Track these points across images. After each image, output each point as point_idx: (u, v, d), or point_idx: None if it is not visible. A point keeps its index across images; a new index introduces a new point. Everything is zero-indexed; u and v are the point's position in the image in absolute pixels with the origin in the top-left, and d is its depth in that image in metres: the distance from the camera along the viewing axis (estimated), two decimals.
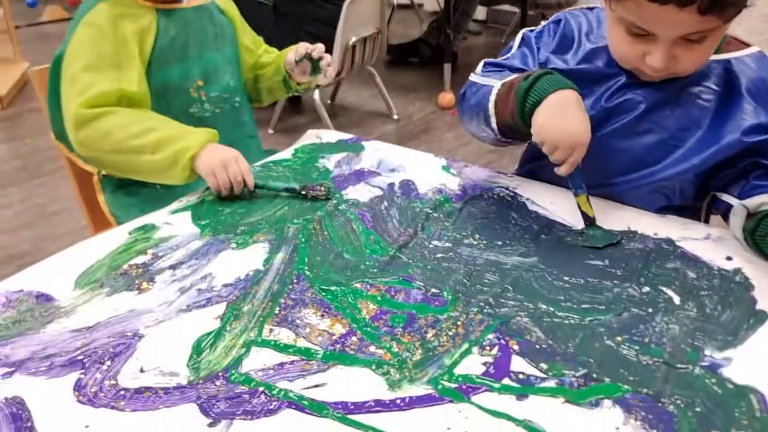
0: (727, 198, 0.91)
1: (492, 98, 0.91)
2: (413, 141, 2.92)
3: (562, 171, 0.86)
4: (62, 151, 1.23)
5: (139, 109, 1.05)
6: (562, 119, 0.83)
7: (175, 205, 0.98)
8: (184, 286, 0.78)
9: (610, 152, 0.96)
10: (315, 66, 1.21)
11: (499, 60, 1.04)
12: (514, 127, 0.89)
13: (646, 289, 0.77)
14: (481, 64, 1.04)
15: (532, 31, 1.05)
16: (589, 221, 0.90)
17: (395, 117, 3.18)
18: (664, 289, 0.77)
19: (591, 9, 1.03)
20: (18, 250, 2.08)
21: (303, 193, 0.99)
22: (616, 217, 0.92)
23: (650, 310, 0.74)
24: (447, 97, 3.26)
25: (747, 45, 0.94)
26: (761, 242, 0.81)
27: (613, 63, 0.94)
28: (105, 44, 1.05)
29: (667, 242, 0.86)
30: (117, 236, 0.90)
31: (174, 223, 0.93)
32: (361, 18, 2.67)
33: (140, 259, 0.84)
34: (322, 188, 0.99)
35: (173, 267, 0.82)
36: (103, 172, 1.19)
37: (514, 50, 1.04)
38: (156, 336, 0.70)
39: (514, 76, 0.91)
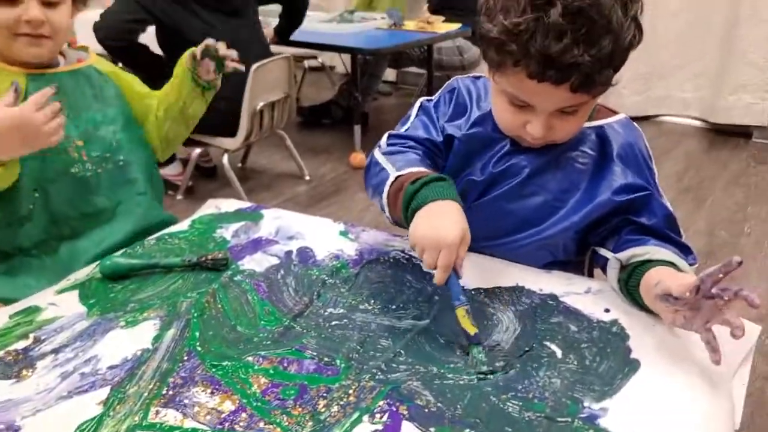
0: (604, 252, 0.97)
1: (386, 190, 0.96)
2: (325, 201, 2.95)
3: (436, 279, 0.82)
4: None
5: None
6: (433, 222, 0.84)
7: (62, 283, 0.95)
8: (66, 370, 0.75)
9: (499, 214, 1.01)
10: (219, 63, 1.24)
11: (402, 132, 1.07)
12: (403, 224, 0.93)
13: (533, 344, 0.81)
14: (385, 136, 1.07)
15: (429, 100, 1.10)
16: (470, 339, 0.80)
17: (307, 178, 3.20)
18: (548, 343, 0.81)
19: (478, 78, 1.09)
20: None
21: (202, 260, 0.98)
22: (505, 275, 0.96)
23: (534, 365, 0.77)
24: (358, 158, 3.33)
25: (615, 112, 1.03)
26: (634, 292, 0.87)
27: (498, 128, 1.00)
28: None
29: (551, 297, 0.91)
30: None
31: (60, 303, 0.90)
32: (268, 83, 2.71)
33: (21, 344, 0.80)
34: (218, 255, 0.99)
35: (56, 351, 0.79)
36: None
37: (413, 119, 1.08)
38: (34, 427, 0.67)
39: (407, 171, 0.95)
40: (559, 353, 0.79)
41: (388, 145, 1.05)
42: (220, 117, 2.34)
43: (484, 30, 0.88)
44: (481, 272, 0.97)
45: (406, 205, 0.89)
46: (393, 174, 0.96)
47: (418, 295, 0.92)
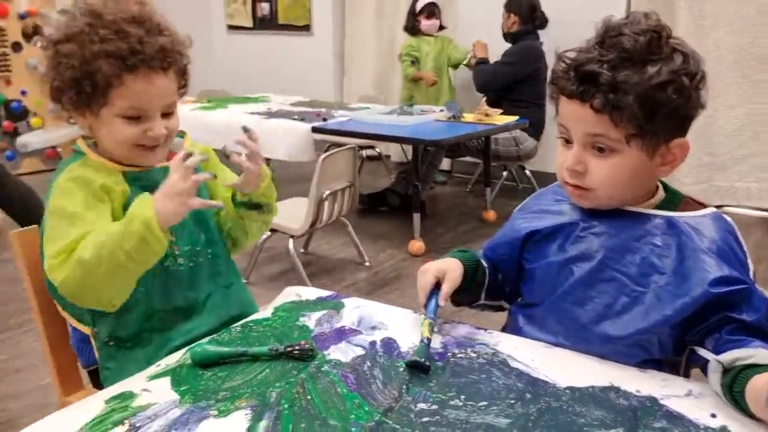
0: (704, 353, 0.93)
1: None
2: (385, 288, 2.95)
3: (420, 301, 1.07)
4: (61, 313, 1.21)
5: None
6: (427, 265, 1.11)
7: (152, 369, 0.96)
8: None
9: (579, 301, 1.01)
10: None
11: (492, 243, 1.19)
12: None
13: None
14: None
15: (518, 209, 1.19)
16: (425, 341, 0.99)
17: (367, 264, 3.22)
18: None
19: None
20: None
21: (288, 350, 0.98)
22: (597, 373, 0.93)
23: None
24: (417, 245, 3.34)
25: (704, 206, 1.02)
26: (739, 398, 0.83)
27: (566, 212, 1.06)
28: (73, 200, 1.06)
29: (650, 400, 0.87)
30: (92, 406, 0.87)
31: (152, 389, 0.91)
32: (334, 172, 2.79)
33: (117, 431, 0.81)
34: (305, 345, 0.99)
35: None
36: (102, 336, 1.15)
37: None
38: None
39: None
40: None
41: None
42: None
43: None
44: (572, 372, 0.94)
45: None
46: None
47: (508, 392, 0.90)
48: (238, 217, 1.24)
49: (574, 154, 0.98)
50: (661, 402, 0.87)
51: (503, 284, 1.16)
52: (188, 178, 1.02)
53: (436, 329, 1.04)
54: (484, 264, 1.15)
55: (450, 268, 1.08)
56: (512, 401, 0.87)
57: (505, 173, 4.51)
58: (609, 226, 1.01)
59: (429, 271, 1.08)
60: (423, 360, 0.94)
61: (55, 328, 1.26)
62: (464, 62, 4.50)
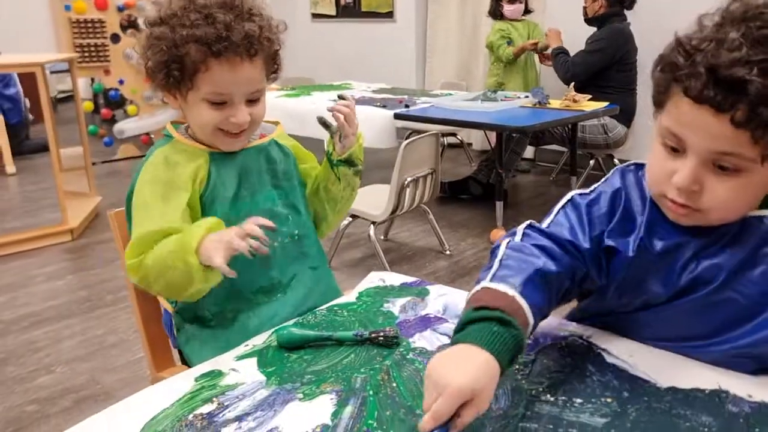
0: None
1: (468, 296, 0.86)
2: (466, 277, 2.90)
3: (423, 422, 0.70)
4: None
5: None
6: (449, 362, 0.73)
7: (240, 349, 0.98)
8: None
9: (683, 322, 0.91)
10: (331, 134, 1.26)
11: (543, 226, 0.94)
12: None
13: None
14: (524, 226, 0.94)
15: (582, 195, 0.96)
16: None
17: (447, 252, 3.19)
18: None
19: (642, 166, 0.94)
20: (74, 383, 2.08)
21: (374, 336, 0.97)
22: (703, 376, 0.87)
23: None
24: (499, 234, 3.25)
25: None
26: None
27: (679, 230, 0.88)
28: (158, 185, 1.09)
29: (764, 407, 0.80)
30: (183, 382, 0.88)
31: (240, 369, 0.92)
32: (416, 159, 2.77)
33: (206, 408, 0.82)
34: (391, 332, 0.97)
35: (239, 419, 0.80)
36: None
37: (556, 213, 0.96)
38: None
39: (495, 287, 0.82)
40: None
41: (523, 236, 0.92)
42: None
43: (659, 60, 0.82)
44: (673, 370, 0.88)
45: (456, 329, 0.79)
46: (485, 282, 0.84)
47: (604, 389, 0.85)
48: (333, 181, 1.27)
49: (690, 172, 0.79)
50: None
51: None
52: (243, 240, 0.98)
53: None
54: (528, 314, 0.81)
55: (483, 389, 0.71)
56: (608, 399, 0.82)
57: (591, 162, 4.35)
58: (721, 243, 0.86)
59: (454, 394, 0.69)
60: None
61: (149, 305, 1.31)
62: (532, 49, 4.34)
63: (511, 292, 0.81)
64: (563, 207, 0.96)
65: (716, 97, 0.73)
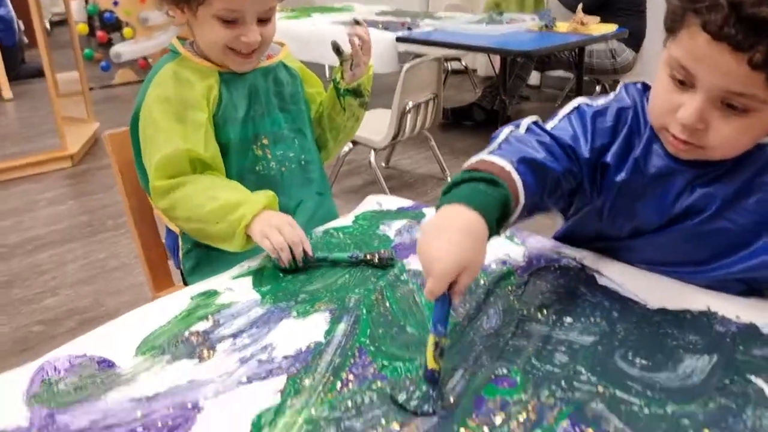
0: None
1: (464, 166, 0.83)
2: None
3: (425, 293, 0.70)
4: (156, 210, 1.26)
5: (210, 176, 1.08)
6: (433, 238, 0.70)
7: (236, 270, 0.98)
8: (244, 356, 0.77)
9: (674, 250, 0.91)
10: (342, 61, 1.22)
11: (548, 127, 0.91)
12: None
13: (733, 377, 0.72)
14: (529, 120, 0.92)
15: (590, 105, 0.93)
16: (426, 375, 0.69)
17: (449, 180, 3.17)
18: (753, 378, 0.72)
19: (648, 88, 0.90)
20: (78, 305, 2.13)
21: (369, 258, 0.97)
22: (693, 298, 0.87)
23: (739, 401, 0.68)
24: None
25: None
26: None
27: (675, 157, 0.86)
28: (172, 103, 1.08)
29: (751, 328, 0.81)
30: (179, 301, 0.90)
31: (235, 288, 0.93)
32: (418, 83, 2.71)
33: (201, 326, 0.84)
34: (386, 254, 0.98)
35: (234, 335, 0.81)
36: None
37: (561, 117, 0.93)
38: (215, 409, 0.69)
39: (491, 159, 0.80)
40: (767, 391, 0.70)
41: (527, 129, 0.90)
42: None
43: None
44: (664, 292, 0.89)
45: (442, 193, 0.76)
46: (480, 155, 0.83)
47: (594, 310, 0.86)
48: (337, 110, 1.25)
49: (696, 109, 0.76)
50: (763, 330, 0.80)
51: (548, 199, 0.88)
52: (296, 231, 0.98)
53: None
54: (519, 187, 0.79)
55: (471, 258, 0.70)
56: (598, 319, 0.83)
57: (598, 88, 4.26)
58: (717, 172, 0.85)
59: (442, 276, 0.69)
60: (427, 407, 0.67)
61: (147, 226, 1.32)
62: None
63: (508, 166, 0.79)
64: (569, 114, 0.93)
65: (736, 36, 0.69)
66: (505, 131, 0.89)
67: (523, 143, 0.86)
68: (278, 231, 0.97)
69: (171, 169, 1.05)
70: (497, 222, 0.74)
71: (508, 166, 0.79)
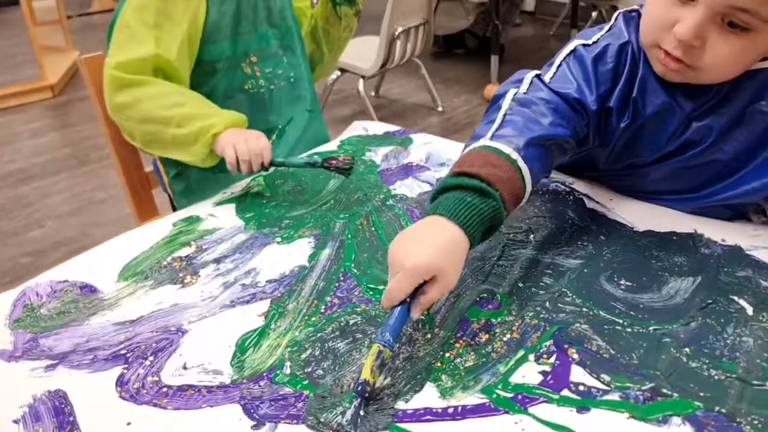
0: None
1: (463, 151, 0.77)
2: (458, 134, 2.87)
3: (384, 296, 0.63)
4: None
5: (174, 84, 1.03)
6: (412, 237, 0.65)
7: (219, 196, 0.97)
8: (228, 280, 0.77)
9: (668, 179, 0.89)
10: None
11: (548, 81, 0.84)
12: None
13: (716, 297, 0.72)
14: (531, 76, 0.85)
15: (587, 47, 0.87)
16: (359, 388, 0.57)
17: (440, 109, 3.13)
18: (735, 298, 0.72)
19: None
20: (65, 236, 2.11)
21: (326, 165, 0.95)
22: (680, 222, 0.87)
23: (721, 320, 0.69)
24: (493, 90, 3.19)
25: None
26: None
27: (671, 92, 0.83)
28: (149, 11, 1.01)
29: (736, 249, 0.81)
30: (161, 228, 0.88)
31: (218, 215, 0.91)
32: (408, 8, 2.63)
33: (184, 251, 0.83)
34: (345, 159, 0.95)
35: (217, 261, 0.80)
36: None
37: (559, 64, 0.87)
38: (199, 332, 0.68)
39: (495, 146, 0.73)
40: (749, 310, 0.70)
41: (530, 87, 0.84)
42: None
43: None
44: (651, 216, 0.88)
45: (431, 196, 0.71)
46: (484, 140, 0.75)
47: (581, 233, 0.85)
48: (332, 22, 1.22)
49: (695, 24, 0.72)
50: (748, 252, 0.80)
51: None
52: (259, 143, 0.95)
53: (389, 364, 0.63)
54: (527, 177, 0.73)
55: (445, 267, 0.63)
56: (585, 242, 0.83)
57: (594, 14, 4.16)
58: (711, 103, 0.82)
59: (411, 271, 0.62)
60: (349, 429, 0.55)
61: (129, 155, 1.29)
62: None
63: (514, 154, 0.72)
64: (566, 59, 0.87)
65: None
66: (509, 96, 0.82)
67: (529, 110, 0.80)
68: (244, 141, 0.94)
69: (135, 67, 1.00)
70: (483, 235, 0.68)
71: (514, 154, 0.73)
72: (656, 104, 0.84)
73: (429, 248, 0.63)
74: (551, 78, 0.85)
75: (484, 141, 0.75)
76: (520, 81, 0.85)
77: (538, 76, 0.85)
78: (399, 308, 0.62)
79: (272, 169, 0.98)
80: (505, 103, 0.81)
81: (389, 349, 0.60)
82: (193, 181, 1.15)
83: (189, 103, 1.00)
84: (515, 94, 0.82)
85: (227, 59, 1.10)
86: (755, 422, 0.56)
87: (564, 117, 0.81)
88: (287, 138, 1.17)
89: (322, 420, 0.56)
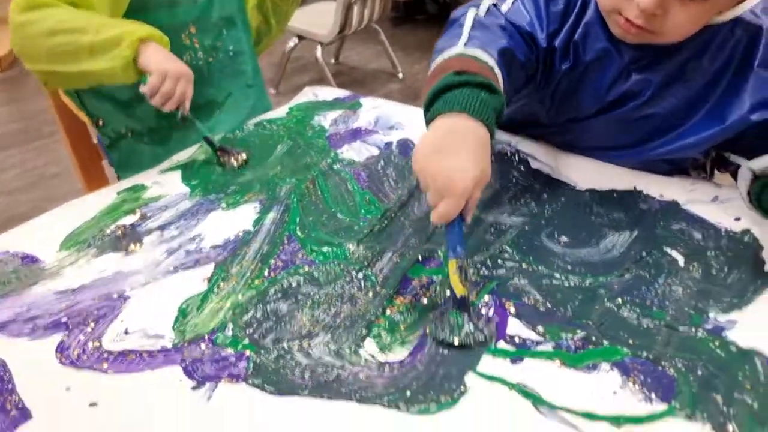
0: (735, 158, 0.86)
1: (437, 61, 0.76)
2: (418, 101, 2.84)
3: (433, 218, 0.64)
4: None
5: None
6: (446, 155, 0.63)
7: (165, 164, 0.96)
8: (171, 247, 0.76)
9: (610, 133, 0.91)
10: None
11: (504, 10, 0.85)
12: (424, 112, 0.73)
13: (651, 250, 0.74)
14: (487, 4, 0.85)
15: None
16: (456, 302, 0.64)
17: (400, 76, 3.11)
18: (669, 250, 0.75)
19: None
20: (17, 212, 2.07)
21: (218, 154, 0.96)
22: (621, 178, 0.89)
23: (653, 271, 0.71)
24: None
25: None
26: (767, 206, 0.77)
27: (614, 39, 0.83)
28: None
29: (673, 204, 0.83)
30: (105, 197, 0.87)
31: (163, 182, 0.90)
32: None
33: (128, 220, 0.82)
34: (240, 156, 0.95)
35: (161, 228, 0.80)
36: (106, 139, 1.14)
37: (513, 1, 0.86)
38: (142, 298, 0.68)
39: (474, 54, 0.74)
40: (681, 261, 0.73)
41: (488, 11, 0.84)
42: None
43: None
44: (594, 174, 0.90)
45: (431, 96, 0.69)
46: (458, 48, 0.75)
47: (524, 192, 0.87)
48: None
49: None
50: (684, 206, 0.83)
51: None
52: (188, 89, 0.94)
53: (471, 274, 0.70)
54: (502, 84, 0.75)
55: (487, 172, 0.65)
56: (528, 201, 0.85)
57: None
58: (653, 54, 0.82)
59: (465, 193, 0.63)
60: (469, 341, 0.62)
61: (77, 127, 1.26)
62: None
63: (491, 61, 0.74)
64: None
65: None
66: (470, 15, 0.83)
67: (489, 30, 0.80)
68: (177, 79, 0.92)
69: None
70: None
71: (491, 61, 0.74)
72: (596, 49, 0.85)
73: (469, 161, 0.63)
74: (507, 10, 0.86)
75: (459, 49, 0.75)
76: (477, 6, 0.86)
77: (495, 5, 0.86)
78: (455, 221, 0.63)
79: (179, 118, 0.96)
80: (468, 22, 0.81)
81: (465, 260, 0.63)
82: (125, 153, 1.13)
83: (102, 17, 0.94)
84: (476, 15, 0.83)
85: (166, 29, 1.06)
86: (678, 365, 0.59)
87: (517, 43, 0.82)
88: (230, 113, 1.15)
89: (447, 341, 0.62)
